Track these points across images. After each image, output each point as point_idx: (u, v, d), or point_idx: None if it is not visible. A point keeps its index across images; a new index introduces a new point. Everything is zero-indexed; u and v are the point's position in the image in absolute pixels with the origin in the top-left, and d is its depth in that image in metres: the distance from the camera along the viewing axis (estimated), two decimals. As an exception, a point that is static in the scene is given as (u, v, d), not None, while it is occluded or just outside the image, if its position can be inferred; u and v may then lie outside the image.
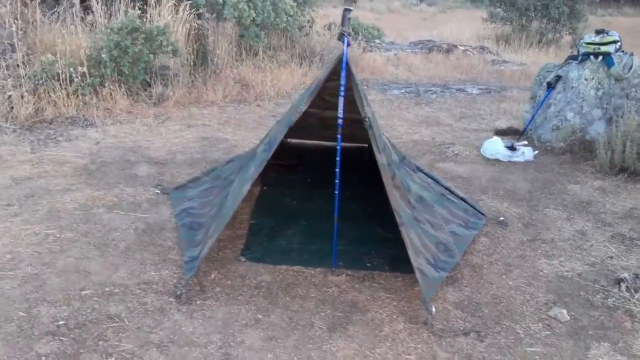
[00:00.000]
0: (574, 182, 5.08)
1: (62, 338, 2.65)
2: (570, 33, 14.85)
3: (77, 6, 7.39)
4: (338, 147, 3.24)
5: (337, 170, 3.27)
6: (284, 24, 8.46)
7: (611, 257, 3.78)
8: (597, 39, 5.64)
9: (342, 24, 3.08)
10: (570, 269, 3.63)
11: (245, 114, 6.86)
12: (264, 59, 8.58)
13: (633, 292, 3.26)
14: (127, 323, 2.81)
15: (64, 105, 6.02)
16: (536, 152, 5.68)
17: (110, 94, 6.38)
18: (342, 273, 3.42)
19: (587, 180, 5.11)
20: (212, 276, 3.27)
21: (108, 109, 6.26)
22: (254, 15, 7.75)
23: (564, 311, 3.15)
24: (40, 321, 2.76)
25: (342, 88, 3.13)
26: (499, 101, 8.29)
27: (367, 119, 3.14)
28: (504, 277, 3.52)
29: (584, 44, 5.70)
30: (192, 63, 7.56)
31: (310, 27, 9.91)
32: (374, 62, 10.51)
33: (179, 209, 4.02)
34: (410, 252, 3.08)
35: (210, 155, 5.29)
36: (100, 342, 2.66)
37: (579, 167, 5.42)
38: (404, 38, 14.90)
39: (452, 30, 16.61)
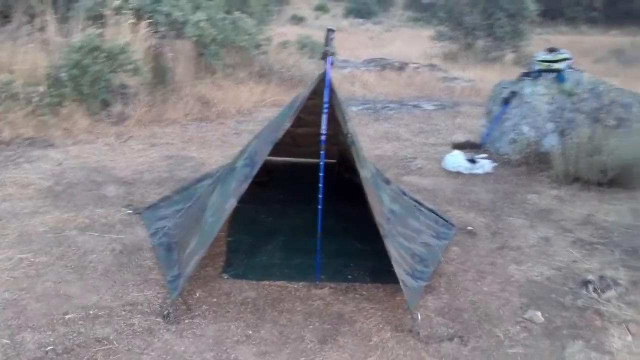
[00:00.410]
0: (533, 191, 5.32)
1: (51, 363, 2.60)
2: (513, 51, 15.52)
3: (29, 25, 7.26)
4: (321, 163, 3.30)
5: (321, 185, 3.33)
6: (244, 43, 8.52)
7: (575, 261, 3.99)
8: (549, 57, 5.96)
9: (326, 43, 3.16)
10: (539, 273, 3.81)
11: (208, 132, 6.85)
12: (222, 77, 8.59)
13: (600, 292, 3.46)
14: (117, 345, 2.77)
15: (22, 126, 5.85)
16: (495, 164, 5.92)
17: (70, 114, 6.25)
18: (325, 286, 3.48)
19: (545, 189, 5.37)
20: (197, 294, 3.27)
21: (67, 129, 6.13)
22: (215, 33, 7.78)
23: (539, 313, 3.31)
24: (26, 348, 2.69)
25: (326, 106, 3.21)
26: (453, 116, 8.58)
27: (349, 135, 3.23)
28: (478, 283, 3.66)
29: (537, 62, 6.02)
30: (151, 82, 7.49)
31: (268, 45, 10.00)
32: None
33: (154, 229, 3.98)
34: (394, 263, 3.17)
35: (177, 174, 5.26)
36: (92, 366, 2.61)
37: (535, 177, 5.68)
38: (356, 56, 15.19)
39: (401, 48, 17.10)
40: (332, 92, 3.25)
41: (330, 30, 3.19)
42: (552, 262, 3.97)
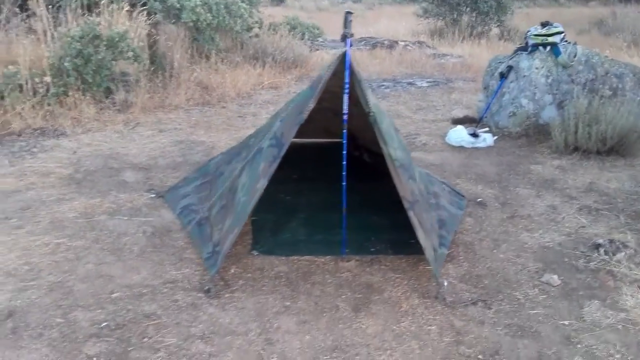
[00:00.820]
0: (535, 162, 5.52)
1: (107, 339, 2.74)
2: (498, 25, 15.68)
3: (21, 15, 7.24)
4: (344, 142, 3.45)
5: (344, 163, 3.48)
6: (237, 27, 8.56)
7: (583, 227, 4.20)
8: (543, 31, 6.12)
9: (345, 26, 3.28)
10: (550, 239, 4.01)
11: (212, 116, 6.94)
12: (216, 62, 8.63)
13: (611, 254, 3.67)
14: (165, 320, 2.92)
15: (30, 117, 5.90)
16: (495, 137, 6.11)
17: (75, 103, 6.30)
18: (351, 259, 3.64)
19: (546, 160, 5.57)
20: (232, 271, 3.41)
21: (76, 118, 6.18)
22: (211, 18, 7.81)
23: (555, 276, 3.51)
24: (80, 325, 2.82)
25: (347, 86, 3.35)
26: (449, 92, 8.75)
27: (372, 114, 3.37)
28: (494, 251, 3.85)
29: (532, 36, 6.18)
30: (149, 68, 7.52)
31: (259, 28, 10.04)
32: (322, 61, 10.74)
33: (179, 208, 4.12)
34: (420, 233, 3.34)
35: (191, 157, 5.37)
36: (145, 339, 2.76)
37: (536, 148, 5.88)
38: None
39: (387, 26, 17.14)
40: (352, 73, 3.38)
41: (348, 13, 3.31)
42: (562, 229, 4.17)
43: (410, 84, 9.32)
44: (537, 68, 6.08)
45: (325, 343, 2.84)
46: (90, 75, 6.33)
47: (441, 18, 15.58)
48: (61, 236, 3.68)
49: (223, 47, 9.00)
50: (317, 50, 11.49)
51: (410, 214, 3.36)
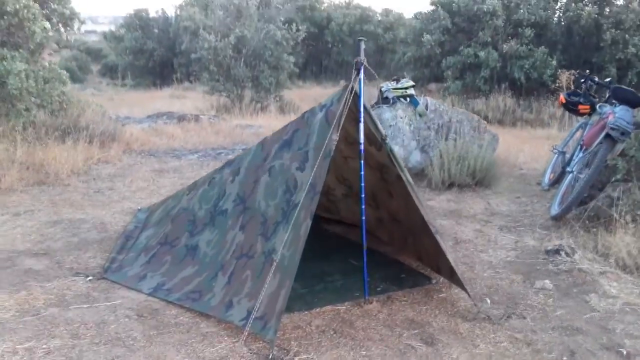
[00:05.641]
0: (427, 199, 5.92)
1: None
2: (277, 100, 16.67)
3: None
4: (361, 173, 3.28)
5: (363, 195, 3.30)
6: (57, 93, 7.49)
7: (517, 241, 4.63)
8: (399, 85, 6.76)
9: (358, 53, 3.19)
10: (506, 255, 4.32)
11: (64, 194, 5.84)
12: (27, 136, 7.36)
13: (571, 255, 4.11)
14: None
15: None
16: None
17: None
18: (371, 301, 3.40)
19: (434, 196, 6.03)
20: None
21: None
22: (34, 85, 6.71)
23: (547, 281, 3.79)
24: None
25: (361, 114, 3.22)
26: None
27: (387, 141, 3.29)
28: (475, 272, 3.99)
29: (392, 90, 6.75)
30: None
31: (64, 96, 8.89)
32: (132, 136, 9.98)
33: (148, 289, 3.35)
34: (450, 257, 3.31)
35: (87, 236, 4.43)
36: None
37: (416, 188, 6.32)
38: (127, 113, 14.40)
39: (168, 105, 16.81)
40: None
41: (360, 41, 3.24)
42: (504, 245, 4.53)
43: (245, 150, 9.22)
44: (401, 117, 6.63)
45: (439, 381, 2.57)
46: None
47: (225, 94, 15.91)
48: (22, 340, 2.66)
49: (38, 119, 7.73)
50: (123, 125, 10.63)
51: (438, 237, 3.34)
